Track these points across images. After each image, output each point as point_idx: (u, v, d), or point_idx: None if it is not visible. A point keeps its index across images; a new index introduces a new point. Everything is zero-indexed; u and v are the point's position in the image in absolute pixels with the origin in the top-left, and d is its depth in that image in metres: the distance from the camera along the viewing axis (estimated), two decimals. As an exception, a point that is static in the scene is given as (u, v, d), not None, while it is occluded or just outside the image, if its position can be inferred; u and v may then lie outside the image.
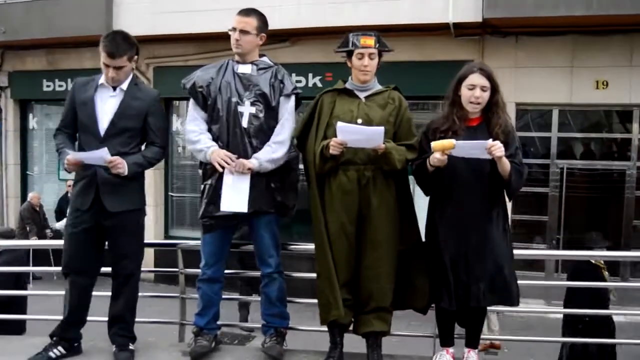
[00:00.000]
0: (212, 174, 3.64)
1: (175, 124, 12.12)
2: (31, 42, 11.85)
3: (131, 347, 3.69)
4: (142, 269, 3.81)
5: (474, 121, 3.41)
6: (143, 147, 3.73)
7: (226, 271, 3.85)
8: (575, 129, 10.24)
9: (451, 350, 3.58)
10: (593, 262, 5.90)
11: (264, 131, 3.60)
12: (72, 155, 3.49)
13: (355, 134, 3.26)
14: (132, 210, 3.66)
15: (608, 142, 10.36)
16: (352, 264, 3.43)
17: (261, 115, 3.60)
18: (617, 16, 8.60)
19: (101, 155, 3.42)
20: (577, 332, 5.57)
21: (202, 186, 3.72)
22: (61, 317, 3.72)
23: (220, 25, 9.81)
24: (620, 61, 9.30)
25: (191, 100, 3.70)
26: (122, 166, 3.48)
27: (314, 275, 3.59)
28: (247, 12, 3.68)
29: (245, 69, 3.67)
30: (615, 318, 5.91)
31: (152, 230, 11.22)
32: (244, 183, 3.53)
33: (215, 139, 3.60)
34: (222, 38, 9.91)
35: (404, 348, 3.75)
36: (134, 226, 3.71)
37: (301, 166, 3.68)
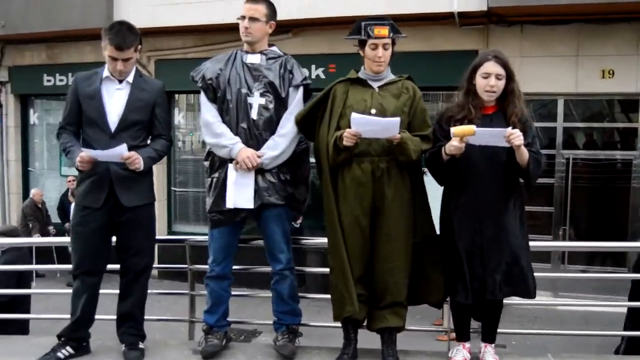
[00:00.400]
0: (219, 167, 3.57)
1: (177, 117, 12.04)
2: (31, 36, 11.73)
3: (141, 345, 3.63)
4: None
5: (490, 109, 3.34)
6: (149, 141, 3.65)
7: (234, 267, 3.77)
8: (581, 118, 10.15)
9: (467, 345, 3.51)
10: None
11: (274, 123, 3.53)
12: (86, 153, 3.39)
13: (370, 124, 3.18)
14: (145, 205, 3.61)
15: (614, 131, 10.26)
16: (366, 257, 3.36)
17: (271, 106, 3.52)
18: (623, 4, 8.50)
19: (120, 152, 3.35)
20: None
21: (209, 179, 3.64)
22: (65, 316, 3.66)
23: (219, 18, 9.94)
24: (626, 50, 9.19)
25: (202, 93, 3.61)
26: (139, 161, 3.42)
27: (325, 270, 3.52)
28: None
29: (254, 59, 3.59)
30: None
31: (156, 226, 11.12)
32: (248, 178, 3.46)
33: None
34: (222, 30, 10.00)
35: (407, 342, 3.68)
36: (147, 220, 3.66)
37: (312, 159, 3.61)
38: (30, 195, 11.99)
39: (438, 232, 3.48)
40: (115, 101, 3.49)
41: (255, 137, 3.50)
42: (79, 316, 3.55)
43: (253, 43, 3.59)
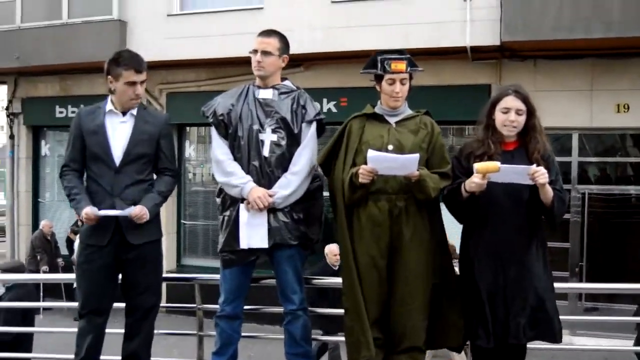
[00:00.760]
0: (230, 205, 3.46)
1: (188, 150, 12.02)
2: (44, 68, 11.83)
3: (147, 387, 3.50)
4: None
5: (510, 145, 3.23)
6: (154, 175, 3.58)
7: (245, 307, 3.64)
8: (596, 153, 10.02)
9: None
10: None
11: (286, 160, 3.42)
12: (90, 210, 3.31)
13: (387, 161, 3.08)
14: (152, 241, 3.52)
15: (628, 166, 10.11)
16: (382, 299, 3.22)
17: (283, 143, 3.41)
18: (637, 39, 8.41)
19: (127, 215, 3.30)
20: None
21: (221, 217, 3.54)
22: (69, 356, 3.55)
23: (232, 51, 9.96)
24: (641, 84, 9.11)
25: (213, 129, 3.53)
26: (146, 216, 3.35)
27: (340, 311, 3.38)
28: (268, 33, 3.53)
29: (266, 94, 3.50)
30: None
31: (164, 260, 10.97)
32: (261, 218, 3.36)
33: None
34: (234, 64, 10.04)
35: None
36: (154, 257, 3.56)
37: (326, 193, 3.50)
38: (40, 227, 11.96)
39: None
40: (119, 135, 3.42)
41: (267, 175, 3.39)
42: (83, 357, 3.42)
43: (265, 77, 3.50)
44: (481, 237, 3.18)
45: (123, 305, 3.57)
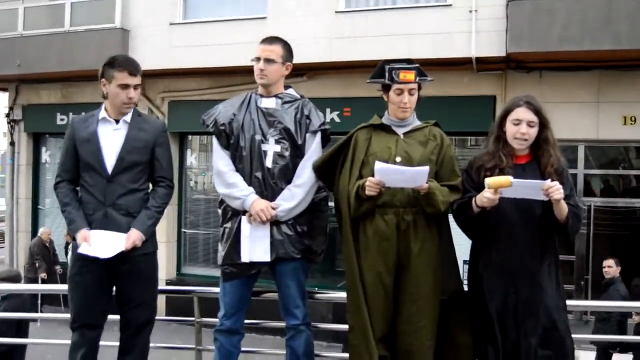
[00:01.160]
0: (232, 217, 3.35)
1: (190, 158, 11.94)
2: (46, 75, 11.79)
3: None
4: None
5: (522, 159, 3.12)
6: (150, 185, 3.47)
7: (246, 321, 3.52)
8: (602, 165, 9.92)
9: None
10: None
11: (290, 171, 3.30)
12: (83, 235, 3.24)
13: (395, 174, 2.96)
14: (147, 254, 3.38)
15: (634, 179, 10.01)
16: (389, 317, 3.10)
17: (286, 154, 3.30)
18: (645, 51, 8.36)
19: (119, 245, 3.21)
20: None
21: (222, 229, 3.43)
22: None
23: (235, 60, 9.88)
24: (648, 97, 9.02)
25: (214, 139, 3.41)
26: (139, 241, 3.26)
27: (344, 326, 3.26)
28: (271, 40, 3.42)
29: (269, 103, 3.38)
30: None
31: (164, 268, 10.92)
32: (263, 231, 3.24)
33: None
34: (237, 72, 9.96)
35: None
36: (149, 270, 3.44)
37: (331, 203, 3.39)
38: (39, 234, 11.90)
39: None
40: (112, 142, 3.32)
41: (270, 187, 3.28)
42: None
43: (268, 86, 3.39)
44: (491, 254, 3.06)
45: (118, 317, 3.46)
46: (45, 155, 13.26)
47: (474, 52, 9.01)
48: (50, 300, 11.24)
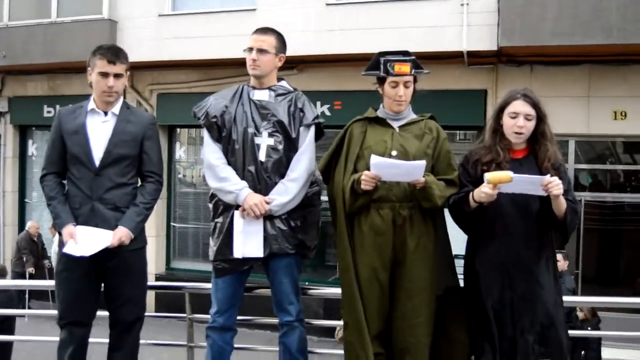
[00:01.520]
0: (223, 211, 3.28)
1: (179, 151, 11.83)
2: (32, 67, 11.62)
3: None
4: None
5: (519, 153, 3.07)
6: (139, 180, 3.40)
7: (238, 317, 3.47)
8: (592, 160, 9.93)
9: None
10: None
11: (283, 165, 3.24)
12: (69, 231, 3.16)
13: (392, 168, 2.91)
14: (135, 249, 3.31)
15: (626, 174, 10.04)
16: (384, 313, 3.05)
17: (280, 147, 3.23)
18: (635, 45, 8.32)
19: (105, 241, 3.13)
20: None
21: (213, 223, 3.36)
22: None
23: (225, 52, 9.79)
24: (638, 91, 9.00)
25: (205, 131, 3.33)
26: (127, 239, 3.19)
27: (338, 322, 3.21)
28: (264, 30, 3.35)
29: (261, 95, 3.31)
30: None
31: (153, 262, 10.82)
32: (257, 226, 3.18)
33: None
34: (226, 65, 9.85)
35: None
36: (137, 266, 3.37)
37: (324, 198, 3.33)
38: (26, 228, 11.74)
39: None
40: (100, 135, 3.24)
41: (263, 181, 3.21)
42: None
43: (261, 77, 3.32)
44: (487, 250, 3.02)
45: (107, 313, 3.39)
46: (32, 148, 13.10)
47: (466, 45, 8.96)
48: (38, 295, 11.12)
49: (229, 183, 3.19)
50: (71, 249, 3.12)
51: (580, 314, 7.56)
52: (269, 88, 3.33)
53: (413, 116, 3.22)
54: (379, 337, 3.05)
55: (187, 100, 11.09)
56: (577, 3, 8.34)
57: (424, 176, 2.93)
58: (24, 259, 11.26)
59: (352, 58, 9.46)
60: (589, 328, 7.35)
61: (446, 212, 3.18)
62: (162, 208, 11.46)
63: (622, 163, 9.97)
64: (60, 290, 3.27)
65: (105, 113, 3.29)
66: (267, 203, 3.16)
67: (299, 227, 3.27)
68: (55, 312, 3.36)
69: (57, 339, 3.33)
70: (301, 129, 3.28)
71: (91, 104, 3.30)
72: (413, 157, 3.01)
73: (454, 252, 3.24)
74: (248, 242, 3.18)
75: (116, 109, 3.30)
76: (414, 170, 2.89)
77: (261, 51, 3.26)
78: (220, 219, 3.30)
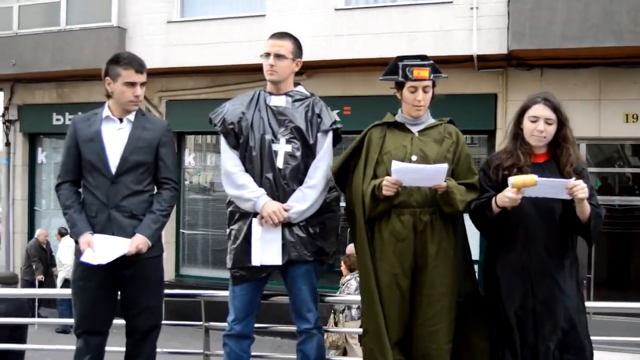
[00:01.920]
0: (240, 218, 3.26)
1: (187, 158, 11.82)
2: (41, 74, 11.65)
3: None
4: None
5: (540, 157, 3.05)
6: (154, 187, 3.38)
7: (256, 325, 3.44)
8: (603, 163, 9.86)
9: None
10: None
11: (301, 172, 3.21)
12: (87, 240, 3.14)
13: (413, 172, 2.88)
14: (152, 257, 3.29)
15: (635, 176, 9.96)
16: (404, 320, 3.02)
17: (298, 154, 3.20)
18: (648, 47, 8.29)
19: (122, 249, 3.11)
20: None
21: (229, 230, 3.34)
22: None
23: (233, 59, 9.78)
24: (650, 94, 8.96)
25: (222, 138, 3.31)
26: (144, 246, 3.17)
27: (358, 330, 3.18)
28: (281, 35, 3.33)
29: (278, 101, 3.29)
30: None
31: (164, 279, 10.75)
32: (275, 234, 3.15)
33: None
34: (235, 71, 9.82)
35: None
36: (154, 275, 3.35)
37: (342, 203, 3.30)
38: (36, 235, 11.78)
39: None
40: (115, 142, 3.22)
41: (281, 188, 3.18)
42: None
43: (278, 82, 3.30)
44: (509, 255, 2.98)
45: (124, 322, 3.37)
46: (41, 156, 13.12)
47: (475, 49, 8.93)
48: (48, 303, 11.12)
49: (247, 190, 3.16)
50: (88, 257, 3.10)
51: None
52: (286, 94, 3.30)
53: (432, 120, 3.20)
54: (399, 344, 3.02)
55: (196, 107, 11.20)
56: (587, 6, 8.29)
57: (445, 181, 2.90)
58: (34, 266, 11.30)
59: (361, 63, 9.46)
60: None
61: (465, 216, 3.15)
62: (172, 215, 11.41)
63: (631, 166, 9.89)
64: (77, 299, 3.25)
65: (121, 120, 3.28)
66: (286, 210, 3.13)
67: (317, 234, 3.25)
68: (64, 320, 3.34)
69: (68, 347, 3.31)
70: (319, 134, 3.25)
71: (106, 111, 3.29)
72: (433, 161, 2.99)
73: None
74: (266, 250, 3.15)
75: (131, 115, 3.29)
76: (435, 175, 2.86)
77: (278, 56, 3.24)
78: (235, 226, 3.28)
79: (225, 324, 3.38)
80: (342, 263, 6.19)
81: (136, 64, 3.21)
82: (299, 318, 3.28)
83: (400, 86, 3.11)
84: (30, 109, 12.57)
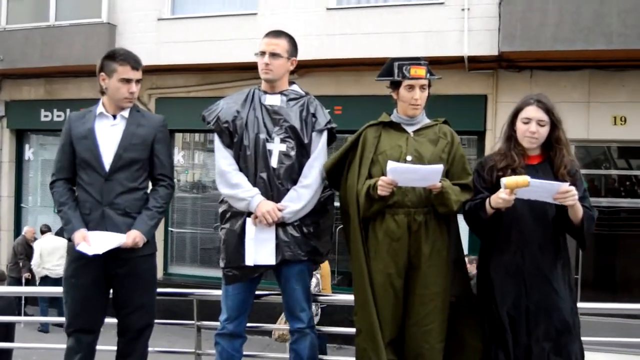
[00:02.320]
0: (232, 217, 3.24)
1: (177, 156, 11.76)
2: (29, 70, 11.55)
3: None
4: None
5: (535, 159, 3.05)
6: (149, 184, 3.36)
7: (248, 324, 3.43)
8: (590, 165, 9.93)
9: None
10: None
11: (296, 171, 3.20)
12: (82, 234, 3.10)
13: (408, 173, 2.88)
14: (145, 256, 3.27)
15: (621, 178, 10.04)
16: (398, 320, 3.02)
17: (292, 153, 3.19)
18: (635, 51, 8.34)
19: (118, 243, 3.08)
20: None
21: (222, 229, 3.32)
22: None
23: (224, 57, 9.74)
24: (638, 97, 9.02)
25: (216, 137, 3.29)
26: (141, 241, 3.15)
27: (351, 330, 3.18)
28: (277, 33, 3.31)
29: (273, 100, 3.27)
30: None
31: (157, 278, 10.71)
32: (269, 233, 3.14)
33: None
34: (225, 69, 9.77)
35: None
36: (147, 273, 3.32)
37: (336, 203, 3.30)
38: (23, 233, 11.67)
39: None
40: (109, 139, 3.20)
41: (275, 187, 3.17)
42: None
43: (273, 81, 3.28)
44: (503, 256, 2.99)
45: (115, 320, 3.34)
46: (28, 153, 13.00)
47: (466, 50, 8.97)
48: (34, 301, 11.03)
49: (241, 190, 3.15)
50: (84, 248, 3.07)
51: None
52: (281, 93, 3.29)
53: (427, 121, 3.21)
54: (392, 344, 3.02)
55: (186, 105, 11.16)
56: (578, 9, 8.35)
57: (440, 181, 2.90)
58: (20, 264, 11.21)
59: (353, 63, 9.47)
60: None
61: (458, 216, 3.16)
62: (160, 213, 11.37)
63: (617, 168, 9.97)
64: (68, 297, 3.23)
65: (114, 117, 3.25)
66: (280, 210, 3.12)
67: (312, 234, 3.24)
68: (51, 318, 3.32)
69: (57, 346, 3.28)
70: (313, 134, 3.24)
71: (100, 108, 3.26)
72: (428, 161, 3.00)
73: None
74: (260, 250, 3.14)
75: (125, 112, 3.27)
76: (430, 175, 2.87)
77: (274, 55, 3.22)
78: (227, 225, 3.27)
79: (217, 323, 3.37)
80: None
81: (132, 61, 3.19)
82: (292, 317, 3.28)
83: (396, 86, 3.12)
84: (18, 105, 12.46)
